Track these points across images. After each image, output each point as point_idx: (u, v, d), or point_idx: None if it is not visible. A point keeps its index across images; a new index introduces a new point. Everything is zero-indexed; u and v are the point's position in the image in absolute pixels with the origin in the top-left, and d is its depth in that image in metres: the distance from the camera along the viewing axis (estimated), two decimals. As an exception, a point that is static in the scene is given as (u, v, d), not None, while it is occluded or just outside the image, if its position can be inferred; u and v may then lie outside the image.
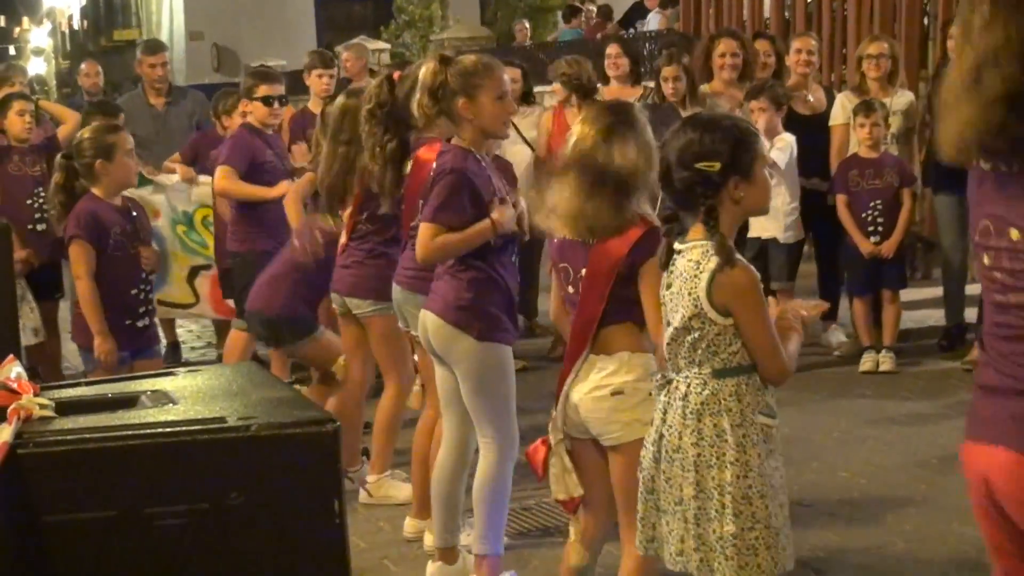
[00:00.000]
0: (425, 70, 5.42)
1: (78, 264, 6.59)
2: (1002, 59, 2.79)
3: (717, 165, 3.92)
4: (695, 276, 3.92)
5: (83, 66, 11.43)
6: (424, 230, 5.26)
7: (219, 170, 8.19)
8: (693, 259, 3.94)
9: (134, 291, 6.67)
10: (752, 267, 3.97)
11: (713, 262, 3.89)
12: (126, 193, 6.91)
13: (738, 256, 3.93)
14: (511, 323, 5.44)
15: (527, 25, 20.71)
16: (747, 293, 3.91)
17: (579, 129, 4.57)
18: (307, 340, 7.01)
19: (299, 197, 7.43)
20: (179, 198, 9.60)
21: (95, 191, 6.64)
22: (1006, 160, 2.86)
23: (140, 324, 6.71)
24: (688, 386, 3.97)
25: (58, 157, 6.96)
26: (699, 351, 3.95)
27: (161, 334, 8.07)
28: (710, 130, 3.97)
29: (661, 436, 4.03)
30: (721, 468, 3.91)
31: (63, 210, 6.74)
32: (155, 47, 11.23)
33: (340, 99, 6.64)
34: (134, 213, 6.78)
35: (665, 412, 4.03)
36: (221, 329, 9.90)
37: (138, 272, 6.69)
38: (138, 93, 11.14)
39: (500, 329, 5.35)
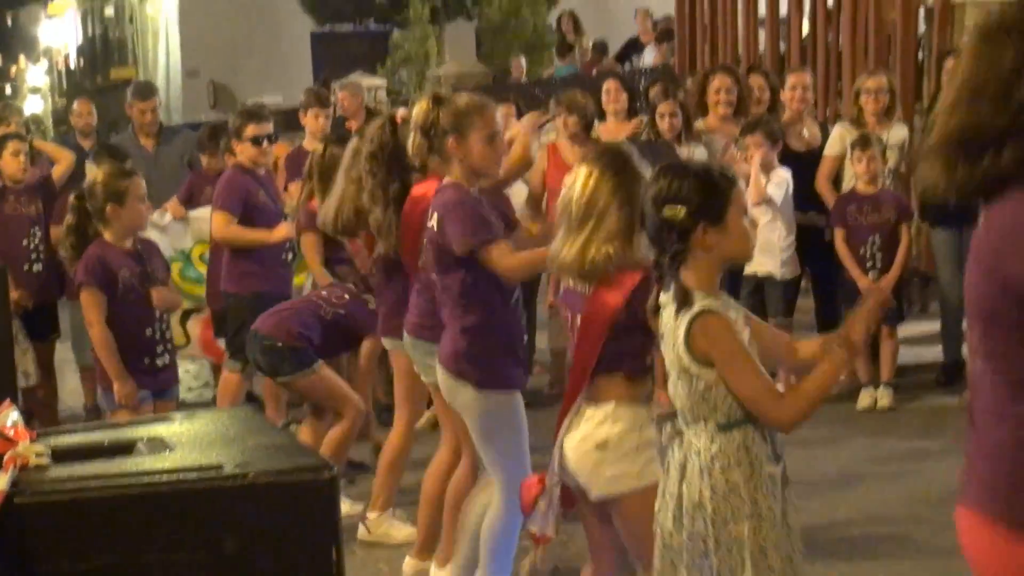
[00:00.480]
0: (418, 109, 5.46)
1: (90, 311, 6.64)
2: (963, 100, 2.79)
3: (682, 211, 3.89)
4: (675, 329, 3.91)
5: (75, 105, 11.43)
6: (493, 259, 5.22)
7: (216, 217, 8.18)
8: (673, 311, 3.93)
9: (149, 331, 6.71)
10: (721, 312, 3.92)
11: (688, 314, 3.87)
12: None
13: (706, 303, 3.89)
14: (516, 366, 5.44)
15: (523, 61, 20.76)
16: (717, 340, 3.86)
17: (577, 174, 4.55)
18: (305, 373, 7.02)
19: (317, 250, 7.49)
20: (176, 236, 9.60)
21: (106, 234, 6.68)
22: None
23: (160, 363, 6.75)
24: (699, 440, 3.95)
25: (71, 198, 6.98)
26: (700, 405, 3.93)
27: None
28: (680, 176, 3.96)
29: (681, 492, 3.99)
30: (737, 522, 3.88)
31: (74, 252, 6.79)
32: (146, 92, 11.19)
33: (353, 141, 6.67)
34: (145, 255, 6.78)
35: (683, 467, 4.00)
36: (218, 368, 9.88)
37: (151, 312, 6.71)
38: (129, 135, 11.15)
39: (500, 376, 5.34)
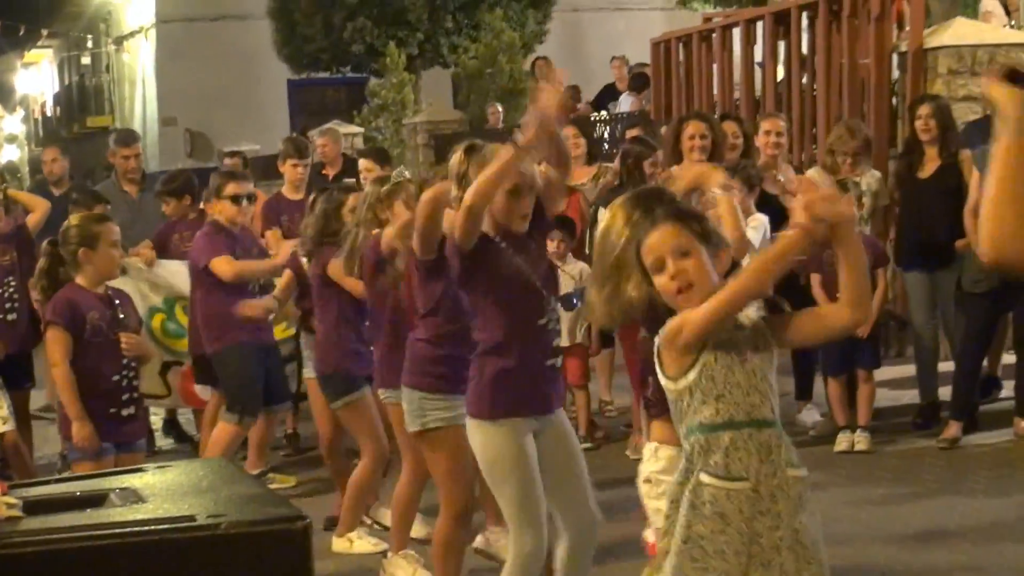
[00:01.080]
0: (454, 158, 5.46)
1: (53, 350, 6.56)
2: None
3: None
4: None
5: (45, 153, 11.47)
6: None
7: (217, 264, 8.11)
8: None
9: (115, 378, 6.60)
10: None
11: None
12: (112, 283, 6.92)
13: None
14: (512, 400, 5.27)
15: (499, 108, 20.82)
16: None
17: (606, 217, 4.52)
18: (345, 400, 7.23)
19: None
20: (158, 287, 9.57)
21: (79, 279, 6.63)
22: None
23: (125, 412, 6.63)
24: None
25: (44, 243, 6.96)
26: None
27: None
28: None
29: None
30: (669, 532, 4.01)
31: (45, 296, 6.76)
32: (129, 139, 11.28)
33: (371, 187, 6.77)
34: (116, 301, 6.72)
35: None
36: (199, 415, 9.86)
37: (119, 359, 6.61)
38: (112, 181, 11.16)
39: (484, 408, 5.26)
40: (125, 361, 6.64)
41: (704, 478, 3.94)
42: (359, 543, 7.26)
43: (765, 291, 3.95)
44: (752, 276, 3.92)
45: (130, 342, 6.62)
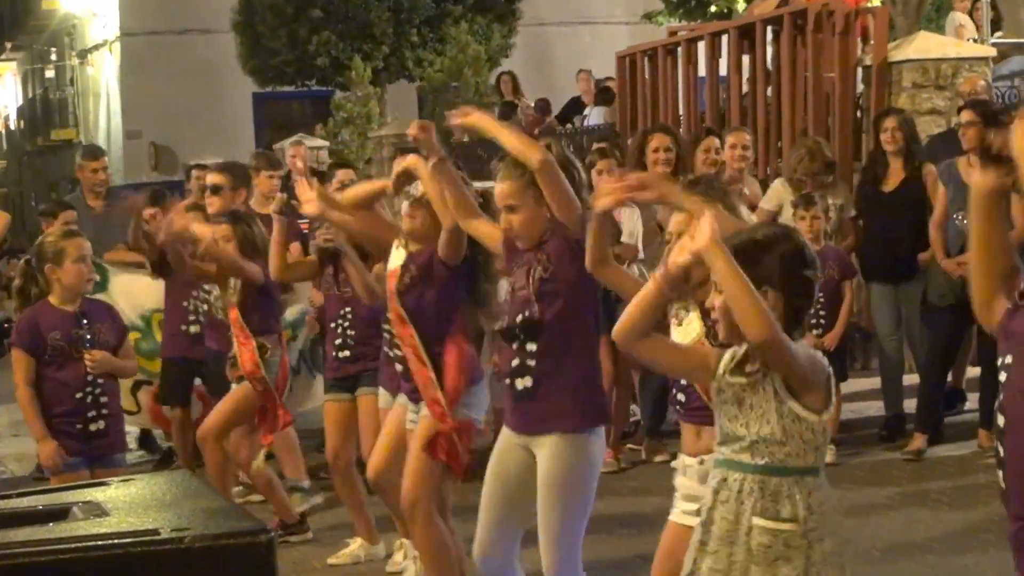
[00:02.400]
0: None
1: (16, 371, 6.61)
2: None
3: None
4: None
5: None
6: None
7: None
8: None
9: (79, 395, 6.58)
10: None
11: None
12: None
13: None
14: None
15: (464, 121, 20.82)
16: None
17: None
18: None
19: None
20: (135, 303, 9.54)
21: (51, 297, 6.64)
22: None
23: (93, 428, 6.61)
24: None
25: (21, 261, 6.98)
26: None
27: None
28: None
29: None
30: None
31: (19, 313, 6.79)
32: (96, 152, 11.32)
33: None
34: (85, 321, 6.67)
35: None
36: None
37: (83, 376, 6.59)
38: (77, 195, 11.13)
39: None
40: (90, 378, 6.61)
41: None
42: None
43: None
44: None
45: (94, 360, 6.58)
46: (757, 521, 3.89)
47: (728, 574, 3.91)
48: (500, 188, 5.28)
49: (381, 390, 6.79)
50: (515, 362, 5.18)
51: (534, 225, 5.20)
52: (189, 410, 9.19)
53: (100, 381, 6.66)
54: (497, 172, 5.36)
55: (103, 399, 6.68)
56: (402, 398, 6.24)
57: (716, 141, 9.91)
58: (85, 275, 6.76)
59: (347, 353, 7.19)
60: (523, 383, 5.15)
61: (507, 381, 5.23)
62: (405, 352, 5.92)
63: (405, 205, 6.09)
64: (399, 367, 6.05)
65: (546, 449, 5.08)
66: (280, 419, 7.50)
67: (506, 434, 5.32)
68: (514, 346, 5.18)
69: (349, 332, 7.19)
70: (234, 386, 7.62)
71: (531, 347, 5.12)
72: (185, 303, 8.99)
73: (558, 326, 5.09)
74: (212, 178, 8.90)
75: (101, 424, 6.66)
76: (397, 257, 6.07)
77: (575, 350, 5.11)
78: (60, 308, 6.64)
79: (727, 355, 4.03)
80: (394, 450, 6.34)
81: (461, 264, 5.88)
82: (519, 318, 5.12)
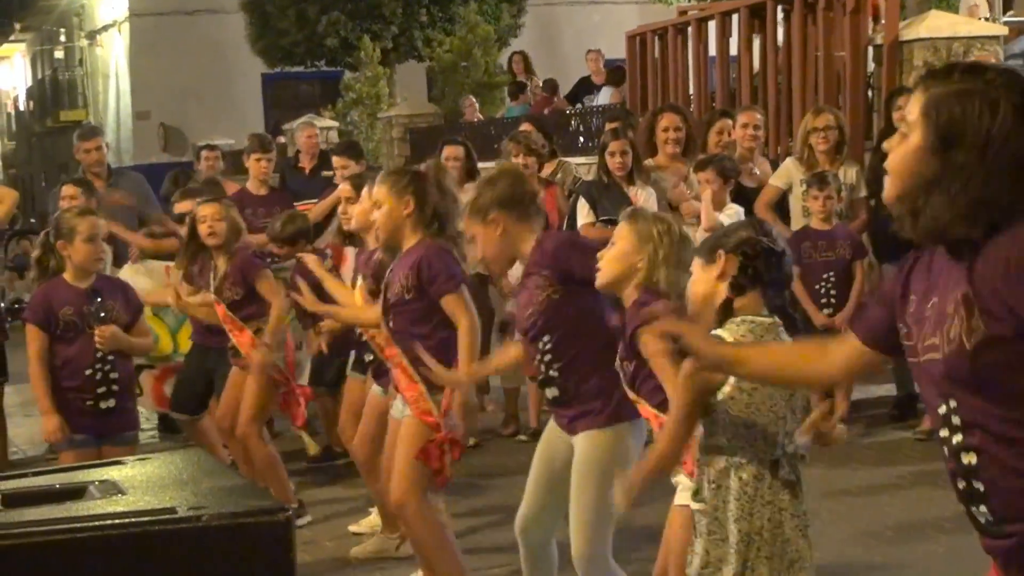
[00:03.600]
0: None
1: (28, 346, 6.65)
2: None
3: None
4: None
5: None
6: None
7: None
8: None
9: (88, 371, 6.59)
10: None
11: None
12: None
13: None
14: None
15: (475, 101, 20.79)
16: None
17: None
18: None
19: None
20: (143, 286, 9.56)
21: (65, 273, 6.68)
22: None
23: (103, 405, 6.62)
24: None
25: (42, 234, 7.00)
26: None
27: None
28: None
29: None
30: None
31: (38, 288, 6.81)
32: (89, 133, 11.24)
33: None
34: (99, 298, 6.67)
35: None
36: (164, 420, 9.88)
37: (92, 353, 6.60)
38: (79, 177, 11.10)
39: None
40: (100, 355, 6.62)
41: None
42: None
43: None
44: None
45: (103, 336, 6.59)
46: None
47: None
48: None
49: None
50: (540, 375, 5.27)
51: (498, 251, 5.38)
52: None
53: (110, 358, 6.66)
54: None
55: (113, 375, 6.67)
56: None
57: (729, 123, 9.91)
58: (94, 254, 6.77)
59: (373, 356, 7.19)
60: (551, 393, 5.25)
61: (539, 386, 5.35)
62: (393, 370, 5.95)
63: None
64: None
65: (578, 443, 5.14)
66: (300, 398, 7.52)
67: (552, 423, 5.40)
68: (535, 356, 5.22)
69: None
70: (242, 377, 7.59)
71: (550, 361, 5.18)
72: None
73: (571, 343, 5.17)
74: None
75: (111, 402, 6.66)
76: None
77: (593, 355, 5.14)
78: (73, 284, 6.66)
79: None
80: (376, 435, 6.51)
81: None
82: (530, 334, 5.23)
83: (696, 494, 4.02)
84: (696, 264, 4.18)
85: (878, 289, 10.37)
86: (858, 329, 3.35)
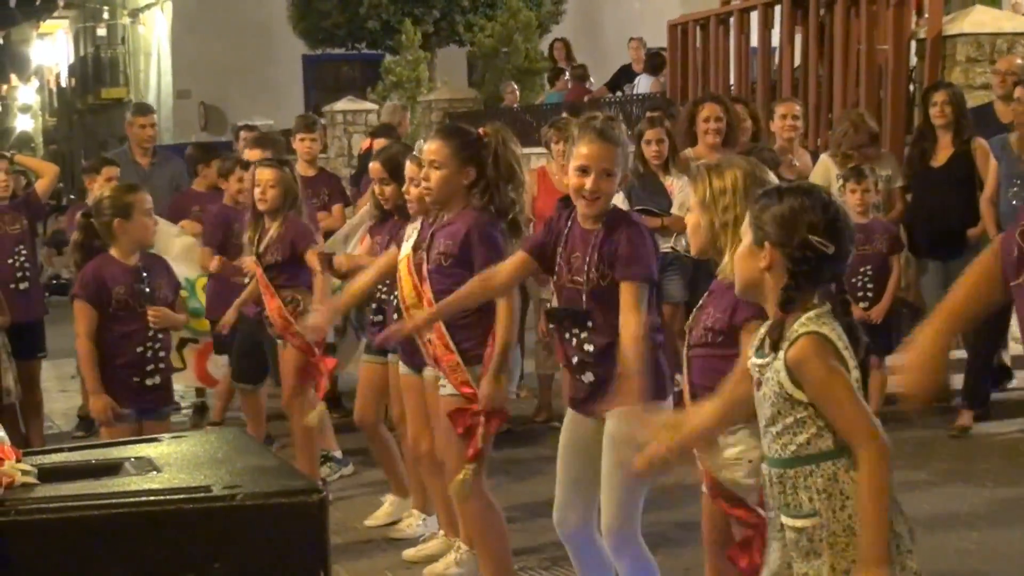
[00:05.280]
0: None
1: (78, 323, 6.63)
2: None
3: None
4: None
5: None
6: None
7: None
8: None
9: (140, 349, 6.64)
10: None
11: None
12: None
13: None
14: None
15: (515, 87, 20.75)
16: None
17: None
18: None
19: None
20: (182, 264, 9.59)
21: (112, 250, 6.69)
22: None
23: (149, 382, 6.67)
24: None
25: (78, 215, 7.00)
26: None
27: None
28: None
29: None
30: None
31: (79, 269, 6.81)
32: (145, 109, 11.43)
33: None
34: (146, 274, 6.72)
35: None
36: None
37: (144, 331, 6.65)
38: (124, 151, 11.18)
39: None
40: (151, 333, 6.68)
41: None
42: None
43: None
44: None
45: (157, 316, 6.65)
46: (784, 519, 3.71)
47: (777, 572, 3.77)
48: (590, 150, 5.08)
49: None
50: (575, 359, 5.17)
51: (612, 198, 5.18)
52: None
53: (160, 336, 6.73)
54: (582, 135, 5.21)
55: (161, 353, 6.75)
56: (429, 372, 6.12)
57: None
58: (151, 229, 6.86)
59: (382, 318, 7.18)
60: (587, 378, 5.15)
61: (572, 373, 5.22)
62: (431, 339, 5.82)
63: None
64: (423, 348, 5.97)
65: (611, 421, 5.07)
66: (324, 369, 7.56)
67: (573, 412, 5.32)
68: (570, 340, 5.17)
69: (384, 298, 7.16)
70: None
71: (587, 346, 5.11)
72: None
73: (610, 320, 5.05)
74: None
75: (157, 379, 6.72)
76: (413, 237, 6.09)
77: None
78: (122, 262, 6.68)
79: (756, 336, 3.82)
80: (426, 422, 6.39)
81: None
82: (567, 309, 5.15)
83: (786, 509, 3.71)
84: (745, 235, 3.77)
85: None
86: None
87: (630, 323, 4.93)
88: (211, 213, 9.40)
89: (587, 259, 5.06)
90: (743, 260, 3.74)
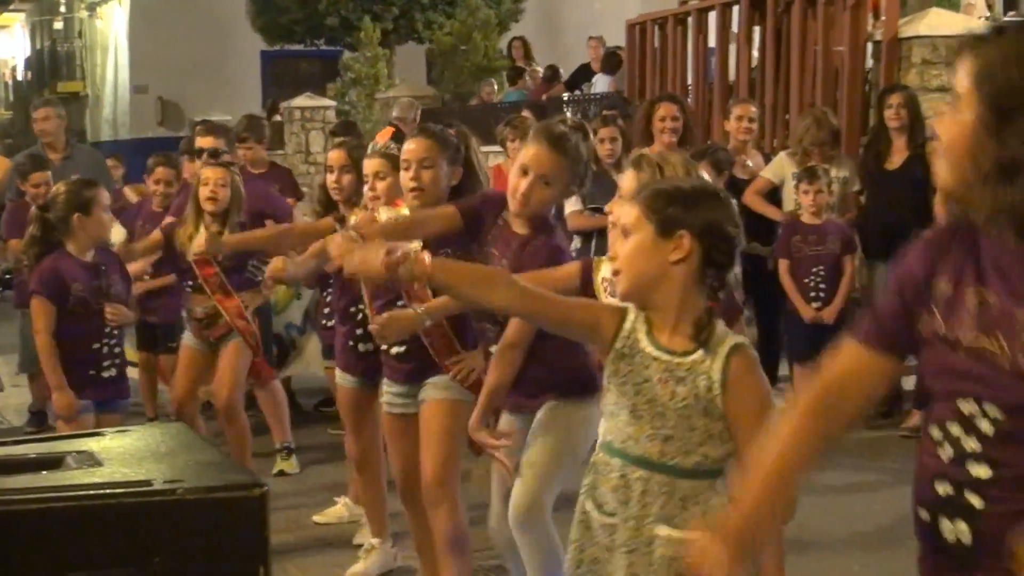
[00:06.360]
0: None
1: (37, 319, 6.56)
2: None
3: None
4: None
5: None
6: None
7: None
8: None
9: (96, 345, 6.61)
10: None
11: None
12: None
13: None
14: None
15: (495, 85, 20.71)
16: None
17: None
18: None
19: None
20: None
21: (69, 246, 6.62)
22: None
23: (105, 375, 6.64)
24: None
25: (33, 210, 6.94)
26: None
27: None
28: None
29: None
30: None
31: (35, 263, 6.73)
32: (41, 103, 11.32)
33: None
34: (103, 268, 6.69)
35: None
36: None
37: (101, 328, 6.62)
38: (38, 147, 11.10)
39: None
40: (108, 329, 6.65)
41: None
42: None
43: None
44: None
45: (115, 313, 6.62)
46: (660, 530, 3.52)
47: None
48: (535, 153, 4.98)
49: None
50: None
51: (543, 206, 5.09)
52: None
53: (116, 332, 6.72)
54: (534, 136, 5.13)
55: (116, 349, 6.74)
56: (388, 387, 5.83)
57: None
58: (109, 225, 6.82)
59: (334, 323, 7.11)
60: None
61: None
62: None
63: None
64: (398, 350, 5.65)
65: (542, 412, 5.05)
66: (262, 372, 7.56)
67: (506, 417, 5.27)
68: (486, 334, 5.17)
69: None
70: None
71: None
72: None
73: None
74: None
75: (113, 372, 6.70)
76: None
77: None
78: (79, 258, 6.63)
79: (631, 317, 3.62)
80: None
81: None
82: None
83: (665, 520, 3.55)
84: (640, 227, 3.54)
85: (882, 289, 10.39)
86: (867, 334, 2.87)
87: (509, 329, 4.93)
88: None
89: (502, 260, 5.00)
90: (642, 256, 3.51)
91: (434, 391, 5.53)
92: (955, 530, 2.67)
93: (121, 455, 3.69)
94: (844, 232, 9.20)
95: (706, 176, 8.60)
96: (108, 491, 3.33)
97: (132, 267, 7.63)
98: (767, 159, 10.09)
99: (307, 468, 8.50)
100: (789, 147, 10.01)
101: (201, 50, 30.22)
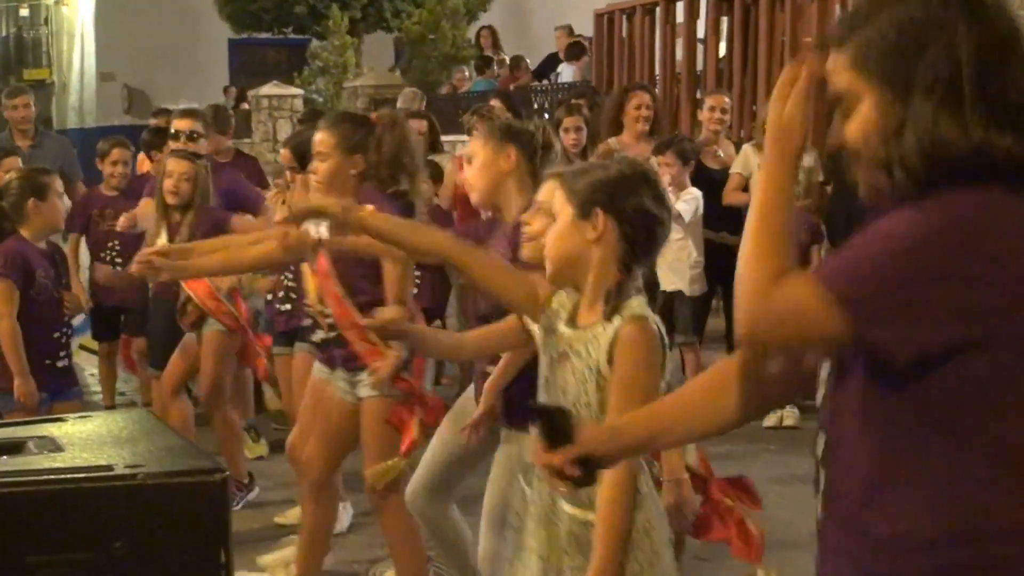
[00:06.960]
0: None
1: (2, 302, 6.47)
2: None
3: None
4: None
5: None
6: None
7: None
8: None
9: (56, 334, 6.63)
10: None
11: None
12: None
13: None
14: None
15: (466, 72, 20.66)
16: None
17: None
18: None
19: None
20: None
21: (23, 232, 6.56)
22: None
23: (60, 364, 6.64)
24: None
25: None
26: None
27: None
28: None
29: None
30: None
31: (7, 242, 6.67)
32: (16, 91, 11.27)
33: None
34: (56, 256, 6.70)
35: None
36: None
37: (60, 316, 6.65)
38: (4, 135, 11.02)
39: None
40: (66, 318, 6.71)
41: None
42: None
43: None
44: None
45: (72, 302, 6.64)
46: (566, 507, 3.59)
47: (547, 559, 3.63)
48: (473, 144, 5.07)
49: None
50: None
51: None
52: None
53: (70, 321, 6.72)
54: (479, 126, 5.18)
55: (70, 339, 6.81)
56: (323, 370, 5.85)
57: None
58: (62, 212, 6.78)
59: (289, 307, 7.08)
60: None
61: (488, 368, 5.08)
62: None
63: None
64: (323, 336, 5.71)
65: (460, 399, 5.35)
66: (260, 347, 7.39)
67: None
68: None
69: (292, 287, 7.00)
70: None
71: None
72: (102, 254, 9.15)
73: None
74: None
75: (67, 361, 6.72)
76: None
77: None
78: (36, 245, 6.62)
79: (561, 295, 3.69)
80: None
81: None
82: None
83: (570, 498, 3.57)
84: (561, 206, 3.60)
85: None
86: None
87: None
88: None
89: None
90: (563, 238, 3.56)
91: (371, 389, 5.50)
92: None
93: (82, 440, 3.68)
94: (811, 223, 9.21)
95: (672, 167, 8.73)
96: (69, 476, 3.32)
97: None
98: (737, 149, 10.10)
99: (275, 455, 8.48)
100: (754, 139, 10.02)
101: (168, 38, 30.06)
